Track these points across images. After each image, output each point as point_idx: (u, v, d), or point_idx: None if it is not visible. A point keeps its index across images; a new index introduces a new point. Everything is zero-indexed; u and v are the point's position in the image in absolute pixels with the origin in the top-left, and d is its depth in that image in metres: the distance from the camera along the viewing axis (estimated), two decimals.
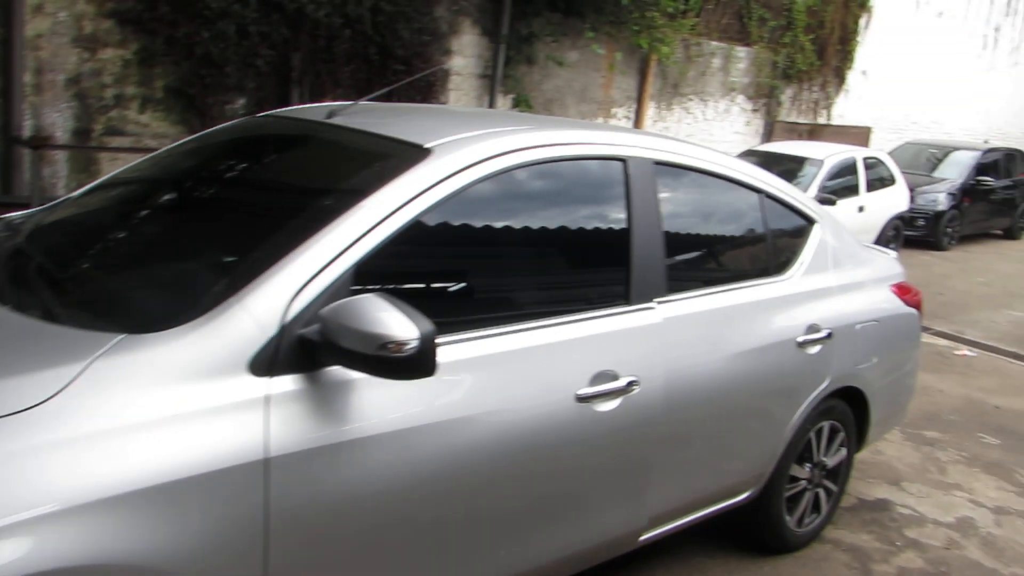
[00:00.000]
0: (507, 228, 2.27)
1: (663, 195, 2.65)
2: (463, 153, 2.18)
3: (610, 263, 2.52)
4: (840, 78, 13.06)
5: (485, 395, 2.09)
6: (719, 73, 11.13)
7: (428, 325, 1.74)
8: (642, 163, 2.58)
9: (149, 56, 6.75)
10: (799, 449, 3.17)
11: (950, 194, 11.45)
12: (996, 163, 12.47)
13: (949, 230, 11.53)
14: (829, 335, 3.07)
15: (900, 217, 10.35)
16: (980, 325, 7.59)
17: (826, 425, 3.28)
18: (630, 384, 2.37)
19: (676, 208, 2.74)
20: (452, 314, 2.11)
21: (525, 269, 2.34)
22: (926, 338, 6.93)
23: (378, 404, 1.88)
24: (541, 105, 9.05)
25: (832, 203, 8.85)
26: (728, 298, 2.78)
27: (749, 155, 9.89)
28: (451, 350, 2.02)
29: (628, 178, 2.53)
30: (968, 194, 11.74)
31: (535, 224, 2.34)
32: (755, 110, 11.87)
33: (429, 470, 1.96)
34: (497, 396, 2.11)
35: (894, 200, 10.20)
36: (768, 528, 3.21)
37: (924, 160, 12.59)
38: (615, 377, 2.35)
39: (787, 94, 12.26)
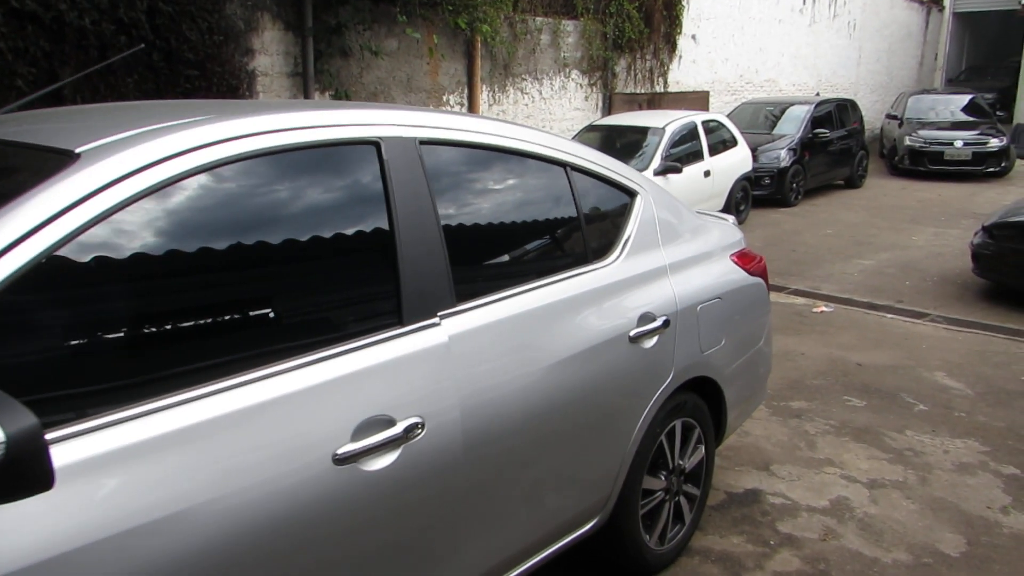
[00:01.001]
0: (208, 251, 1.66)
1: (438, 182, 2.12)
2: (127, 155, 1.57)
3: (369, 277, 1.96)
4: (671, 44, 12.95)
5: (195, 480, 1.50)
6: (550, 50, 10.74)
7: (25, 420, 1.14)
8: (402, 145, 2.03)
9: None
10: (649, 458, 2.72)
11: (790, 150, 11.55)
12: (830, 114, 12.70)
13: (794, 185, 11.63)
14: (666, 323, 2.63)
15: (746, 178, 10.30)
16: (834, 278, 7.52)
17: (678, 424, 2.85)
18: (411, 429, 1.83)
19: (458, 196, 2.21)
20: (126, 377, 1.50)
21: (242, 302, 1.72)
22: (783, 299, 6.79)
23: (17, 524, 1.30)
24: (363, 99, 8.39)
25: (678, 170, 8.65)
26: (536, 298, 2.26)
27: (590, 130, 9.58)
28: (136, 427, 1.47)
29: (384, 165, 1.97)
30: (807, 148, 11.88)
31: (251, 239, 1.73)
32: (592, 84, 11.56)
33: None
34: (214, 477, 1.53)
35: (738, 161, 10.14)
36: (626, 553, 2.75)
37: (763, 119, 12.70)
38: (389, 423, 1.80)
39: (621, 65, 12.03)
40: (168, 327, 1.59)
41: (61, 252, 1.44)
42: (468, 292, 2.11)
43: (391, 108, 2.14)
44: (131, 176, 1.56)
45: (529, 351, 2.18)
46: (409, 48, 8.80)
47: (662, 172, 8.48)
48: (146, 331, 1.56)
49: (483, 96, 9.81)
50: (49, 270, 1.42)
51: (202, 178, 1.67)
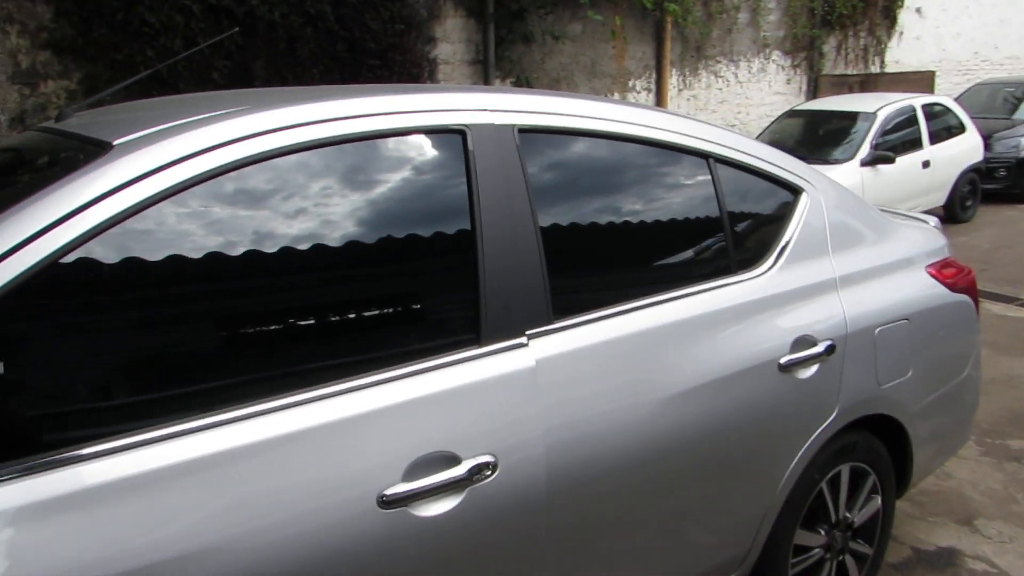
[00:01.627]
0: (252, 253, 1.45)
1: (541, 178, 1.81)
2: (162, 147, 1.40)
3: (441, 287, 1.69)
4: (890, 19, 11.63)
5: (210, 517, 1.31)
6: (748, 29, 9.96)
7: None
8: (494, 133, 1.73)
9: (94, 84, 6.19)
10: (804, 508, 2.25)
11: None
12: None
13: None
14: (830, 349, 2.15)
15: (975, 169, 9.03)
16: None
17: (844, 470, 2.35)
18: (478, 469, 1.54)
19: (566, 193, 1.88)
20: (132, 394, 1.34)
21: (282, 313, 1.49)
22: (1012, 311, 5.80)
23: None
24: (546, 86, 8.18)
25: (890, 160, 7.69)
26: (657, 315, 1.89)
27: (791, 116, 8.78)
28: (147, 455, 1.30)
29: (470, 157, 1.68)
30: None
31: (301, 240, 1.50)
32: (795, 65, 10.62)
33: None
34: (233, 514, 1.33)
35: (965, 151, 8.89)
36: None
37: (1000, 102, 11.10)
38: (452, 461, 1.53)
39: (830, 44, 10.94)
40: (190, 339, 1.41)
41: (80, 250, 1.29)
42: (570, 306, 1.78)
43: (485, 91, 1.85)
44: (165, 169, 1.39)
45: (645, 379, 1.82)
46: (594, 32, 8.47)
47: (870, 162, 7.56)
48: (164, 343, 1.39)
49: (672, 80, 9.29)
50: (66, 270, 1.28)
51: (248, 171, 1.47)
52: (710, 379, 1.91)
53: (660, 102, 9.05)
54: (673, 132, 2.05)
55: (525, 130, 1.79)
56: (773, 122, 8.86)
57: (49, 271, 1.27)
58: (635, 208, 1.98)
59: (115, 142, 1.44)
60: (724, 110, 10.03)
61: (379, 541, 1.46)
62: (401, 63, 7.11)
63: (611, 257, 1.95)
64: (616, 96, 8.68)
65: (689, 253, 2.09)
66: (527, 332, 1.68)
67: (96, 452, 1.27)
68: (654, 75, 9.10)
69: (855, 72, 11.38)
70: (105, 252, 1.32)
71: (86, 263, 1.30)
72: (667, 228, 2.04)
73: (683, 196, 2.08)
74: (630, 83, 8.97)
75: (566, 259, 1.82)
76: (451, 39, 7.59)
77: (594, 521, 1.76)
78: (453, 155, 1.69)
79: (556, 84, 8.29)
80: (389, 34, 6.96)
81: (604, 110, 1.96)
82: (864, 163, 7.53)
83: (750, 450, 2.03)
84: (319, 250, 1.52)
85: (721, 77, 9.87)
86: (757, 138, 6.48)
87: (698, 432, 1.89)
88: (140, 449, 1.30)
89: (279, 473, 1.38)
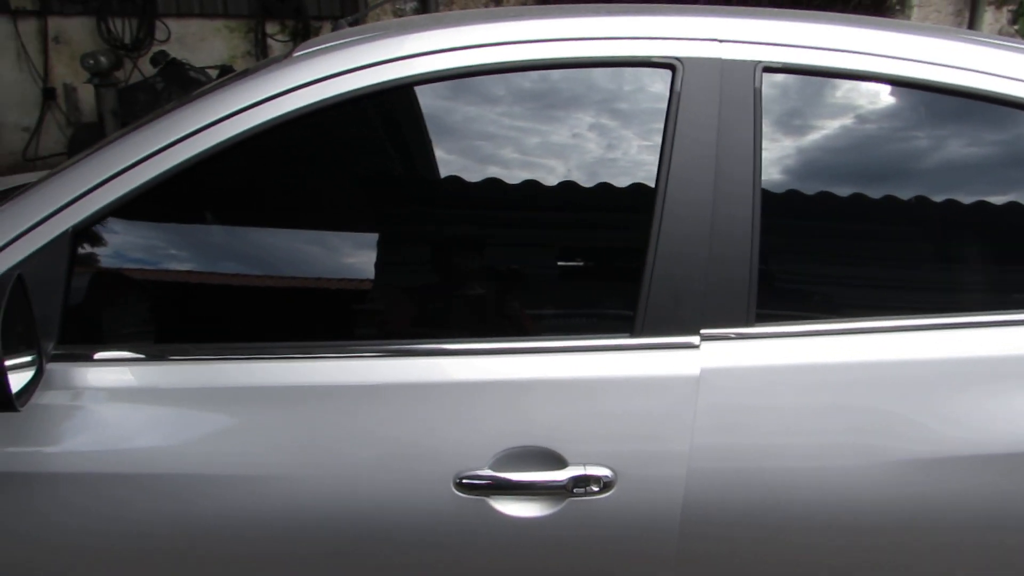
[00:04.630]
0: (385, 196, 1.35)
1: (786, 135, 1.38)
2: (327, 59, 1.36)
3: (597, 258, 1.41)
4: None
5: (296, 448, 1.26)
6: None
7: None
8: (725, 71, 1.34)
9: None
10: None
11: None
12: None
13: None
14: None
15: None
16: None
17: None
18: (584, 481, 1.25)
19: (821, 160, 1.40)
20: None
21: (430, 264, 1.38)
22: None
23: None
24: None
25: None
26: (923, 343, 1.33)
27: None
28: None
29: (675, 101, 1.33)
30: None
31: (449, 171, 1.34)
32: None
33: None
34: (316, 454, 1.27)
35: None
36: None
37: None
38: (556, 461, 1.25)
39: None
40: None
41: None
42: (787, 311, 1.35)
43: (727, 13, 1.43)
44: (318, 83, 1.34)
45: (877, 430, 1.29)
46: None
47: None
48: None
49: None
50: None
51: (409, 92, 1.36)
52: (989, 452, 1.29)
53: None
54: (987, 70, 1.38)
55: (773, 68, 1.36)
56: None
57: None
58: (924, 186, 1.41)
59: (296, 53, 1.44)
60: None
61: (450, 526, 1.28)
62: None
63: (875, 255, 1.43)
64: None
65: (1005, 265, 1.43)
66: (701, 331, 1.31)
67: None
68: None
69: None
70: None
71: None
72: (975, 222, 1.42)
73: (1012, 174, 1.42)
74: None
75: (797, 248, 1.38)
76: None
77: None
78: (653, 95, 1.36)
79: None
80: None
81: (915, 44, 1.40)
82: None
83: None
84: (462, 186, 1.36)
85: None
86: None
87: (939, 518, 1.30)
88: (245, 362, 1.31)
89: (363, 421, 1.29)
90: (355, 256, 1.43)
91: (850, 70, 1.36)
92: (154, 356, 1.29)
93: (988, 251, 1.45)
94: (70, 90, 5.89)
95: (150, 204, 1.30)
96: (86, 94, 5.80)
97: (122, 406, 1.27)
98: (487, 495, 1.24)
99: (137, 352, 1.29)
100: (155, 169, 1.27)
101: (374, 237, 1.42)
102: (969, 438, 1.28)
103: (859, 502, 1.26)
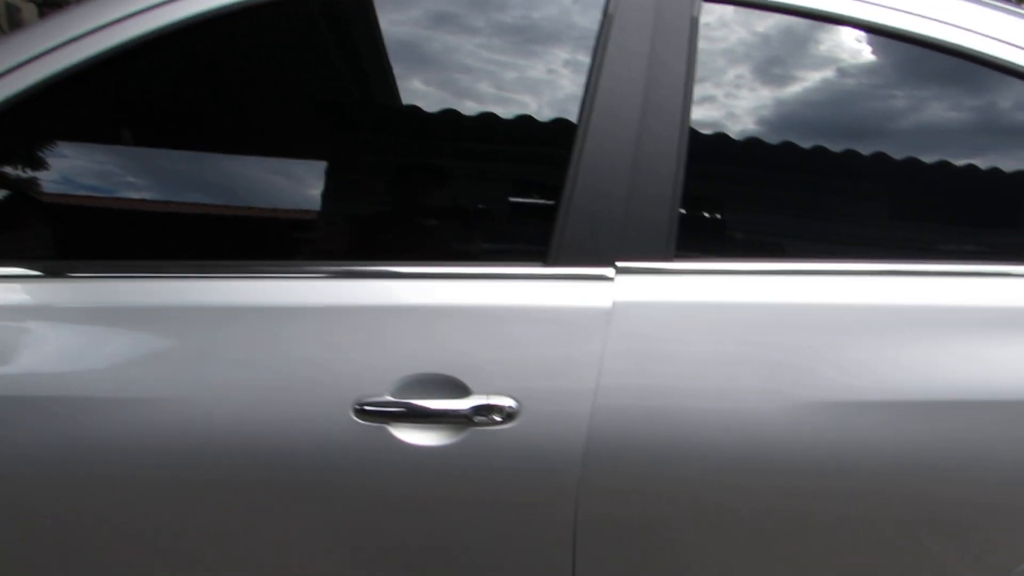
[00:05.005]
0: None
1: (721, 56, 1.34)
2: None
3: (511, 175, 1.35)
4: None
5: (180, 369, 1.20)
6: None
7: None
8: None
9: None
10: None
11: None
12: None
13: None
14: None
15: None
16: None
17: None
18: (486, 410, 1.21)
19: (752, 95, 1.37)
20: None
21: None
22: None
23: None
24: None
25: None
26: (841, 289, 1.28)
27: None
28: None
29: (609, 25, 1.27)
30: None
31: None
32: None
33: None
34: (202, 375, 1.21)
35: None
36: None
37: None
38: (458, 390, 1.21)
39: None
40: None
41: None
42: (714, 245, 1.33)
43: None
44: None
45: (788, 370, 1.27)
46: None
47: None
48: None
49: None
50: None
51: None
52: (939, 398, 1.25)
53: None
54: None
55: None
56: None
57: None
58: (860, 135, 1.38)
59: None
60: None
61: (348, 453, 1.24)
62: None
63: (802, 199, 1.40)
64: None
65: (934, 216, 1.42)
66: (617, 263, 1.27)
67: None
68: None
69: None
70: None
71: None
72: (908, 175, 1.40)
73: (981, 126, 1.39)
74: None
75: (724, 187, 1.35)
76: None
77: (650, 524, 1.27)
78: (584, 20, 1.31)
79: None
80: None
81: None
82: None
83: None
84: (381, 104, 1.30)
85: None
86: None
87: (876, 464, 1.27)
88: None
89: (262, 343, 1.23)
90: (263, 174, 1.37)
91: (795, 6, 1.32)
92: (50, 272, 1.23)
93: (910, 199, 1.43)
94: (13, 10, 5.66)
95: (42, 108, 1.22)
96: (29, 15, 5.59)
97: (9, 324, 1.21)
98: (387, 422, 1.20)
99: (33, 269, 1.23)
100: (44, 70, 1.20)
101: (278, 154, 1.36)
102: (883, 385, 1.27)
103: (769, 446, 1.24)
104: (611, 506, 1.24)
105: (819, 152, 1.39)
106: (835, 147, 1.39)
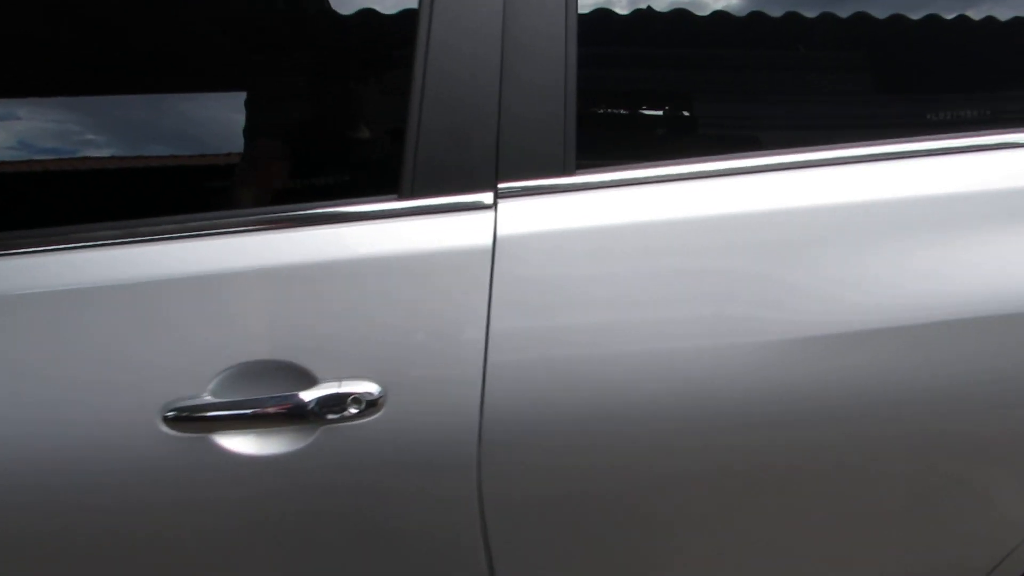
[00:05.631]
0: None
1: None
2: None
3: (370, 93, 1.01)
4: None
5: None
6: None
7: None
8: None
9: None
10: None
11: None
12: None
13: None
14: None
15: None
16: None
17: None
18: (334, 402, 0.89)
19: None
20: None
21: None
22: None
23: None
24: None
25: None
26: (788, 189, 0.96)
27: None
28: None
29: None
30: None
31: None
32: None
33: None
34: None
35: None
36: None
37: None
38: (302, 380, 0.89)
39: None
40: None
41: None
42: (619, 151, 1.00)
43: None
44: None
45: (734, 298, 0.96)
46: None
47: None
48: None
49: None
50: None
51: None
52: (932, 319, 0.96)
53: None
54: None
55: None
56: None
57: None
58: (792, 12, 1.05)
59: None
60: None
61: (163, 474, 0.93)
62: None
63: (729, 85, 1.07)
64: None
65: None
66: (499, 186, 0.94)
67: None
68: None
69: None
70: None
71: None
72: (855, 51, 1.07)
73: None
74: None
75: (633, 77, 1.01)
76: None
77: (576, 499, 0.97)
78: None
79: None
80: None
81: None
82: None
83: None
84: None
85: None
86: None
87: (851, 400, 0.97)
88: None
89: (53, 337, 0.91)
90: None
91: None
92: None
93: (883, 61, 1.10)
94: None
95: None
96: None
97: None
98: (209, 431, 0.89)
99: None
100: None
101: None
102: (875, 312, 0.95)
103: (719, 390, 0.93)
104: (526, 485, 0.94)
105: (758, 13, 1.05)
106: (773, 16, 1.07)
